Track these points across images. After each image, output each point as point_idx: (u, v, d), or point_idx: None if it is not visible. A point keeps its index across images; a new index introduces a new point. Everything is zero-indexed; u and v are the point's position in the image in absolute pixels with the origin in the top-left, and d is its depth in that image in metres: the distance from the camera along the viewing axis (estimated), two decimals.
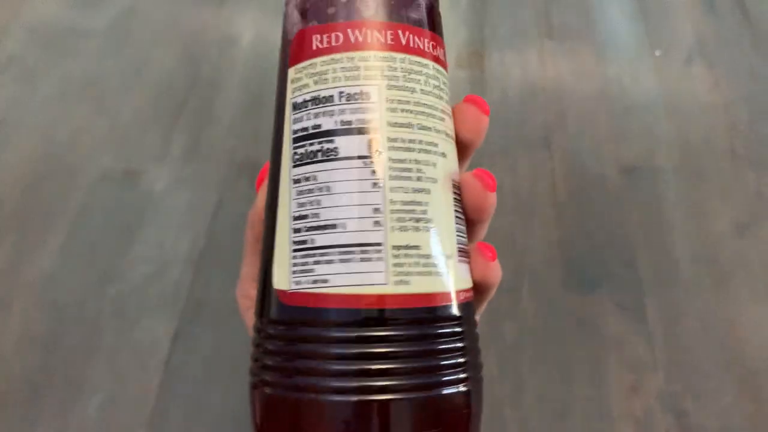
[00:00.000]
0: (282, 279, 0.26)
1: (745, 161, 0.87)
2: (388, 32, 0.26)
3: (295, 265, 0.25)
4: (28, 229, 0.78)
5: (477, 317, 0.31)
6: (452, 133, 0.28)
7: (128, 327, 0.71)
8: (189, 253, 0.77)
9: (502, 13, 1.05)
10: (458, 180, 0.28)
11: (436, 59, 0.28)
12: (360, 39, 0.26)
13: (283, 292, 0.25)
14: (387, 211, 0.24)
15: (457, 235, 0.27)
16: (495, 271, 0.29)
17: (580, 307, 0.74)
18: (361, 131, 0.25)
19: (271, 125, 0.28)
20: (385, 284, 0.24)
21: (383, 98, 0.25)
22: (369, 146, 0.25)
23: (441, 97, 0.27)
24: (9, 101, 0.91)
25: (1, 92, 0.92)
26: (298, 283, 0.25)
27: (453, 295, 0.26)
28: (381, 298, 0.24)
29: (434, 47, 0.28)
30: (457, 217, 0.27)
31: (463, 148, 0.29)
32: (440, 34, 0.29)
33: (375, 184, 0.25)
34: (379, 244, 0.24)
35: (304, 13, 0.27)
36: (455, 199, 0.27)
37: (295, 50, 0.27)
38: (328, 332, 0.24)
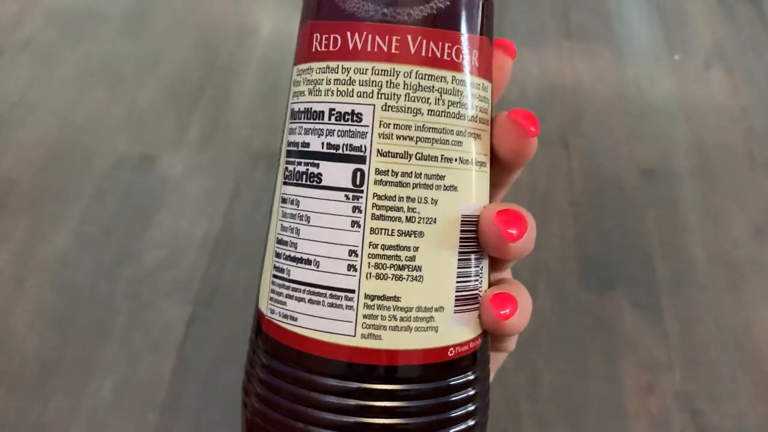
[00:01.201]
0: (263, 300, 0.24)
1: (762, 166, 0.87)
2: (393, 38, 0.21)
3: (272, 291, 0.23)
4: (42, 210, 0.78)
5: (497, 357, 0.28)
6: (480, 157, 0.23)
7: (142, 310, 0.71)
8: (204, 239, 0.77)
9: (522, 13, 1.05)
10: (477, 213, 0.23)
11: (460, 67, 0.22)
12: (358, 45, 0.22)
13: (262, 315, 0.24)
14: (364, 254, 0.21)
15: (459, 282, 0.23)
16: (509, 328, 0.24)
17: (596, 305, 0.73)
18: (347, 159, 0.22)
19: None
20: (352, 336, 0.22)
21: (377, 121, 0.21)
22: (353, 178, 0.22)
23: (462, 116, 0.22)
24: (26, 83, 0.91)
25: (19, 73, 0.92)
26: (272, 311, 0.23)
27: (439, 352, 0.23)
28: (347, 350, 0.22)
29: (459, 52, 0.22)
30: (462, 260, 0.23)
31: (500, 170, 0.25)
32: (478, 30, 0.23)
33: (355, 223, 0.22)
34: (350, 291, 0.22)
35: (314, 2, 0.23)
36: (464, 238, 0.23)
37: (299, 47, 0.24)
38: (297, 373, 0.22)
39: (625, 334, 0.71)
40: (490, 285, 0.25)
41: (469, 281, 0.23)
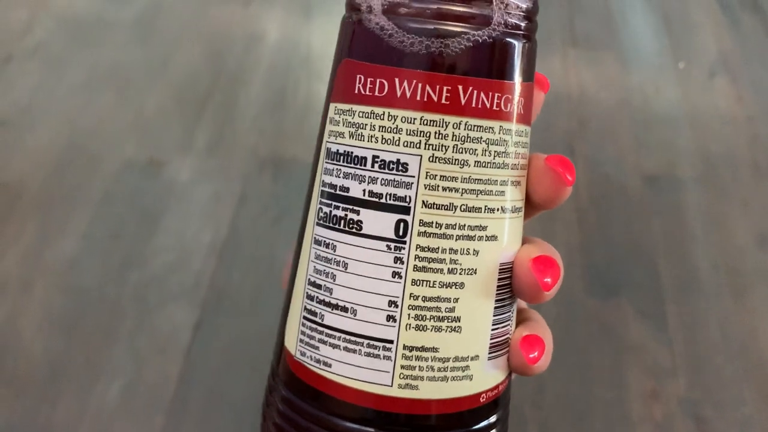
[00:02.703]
0: (291, 341, 0.23)
1: (767, 174, 0.87)
2: (444, 88, 0.21)
3: (303, 333, 0.23)
4: (51, 214, 0.79)
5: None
6: (518, 203, 0.23)
7: (149, 314, 0.71)
8: (211, 244, 0.77)
9: None
10: (512, 259, 0.23)
11: (508, 116, 0.22)
12: (407, 93, 0.21)
13: (291, 355, 0.23)
14: (404, 306, 0.21)
15: (493, 329, 0.23)
16: (537, 370, 0.24)
17: (601, 312, 0.73)
18: (390, 209, 0.21)
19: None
20: (389, 386, 0.21)
21: (423, 172, 0.21)
22: (396, 228, 0.21)
23: (505, 166, 0.22)
24: (35, 88, 0.92)
25: (28, 79, 0.93)
26: (303, 354, 0.23)
27: (472, 399, 0.23)
28: (383, 399, 0.21)
29: (509, 101, 0.22)
30: (498, 307, 0.23)
31: (531, 209, 0.25)
32: (526, 76, 0.23)
33: (396, 274, 0.21)
34: (389, 341, 0.21)
35: (355, 38, 0.22)
36: (500, 285, 0.23)
37: (338, 83, 0.23)
38: (328, 419, 0.22)
39: (630, 340, 0.71)
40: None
41: (503, 327, 0.23)
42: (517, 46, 0.22)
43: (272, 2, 1.06)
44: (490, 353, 0.23)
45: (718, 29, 1.06)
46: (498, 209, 0.22)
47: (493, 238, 0.22)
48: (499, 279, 0.23)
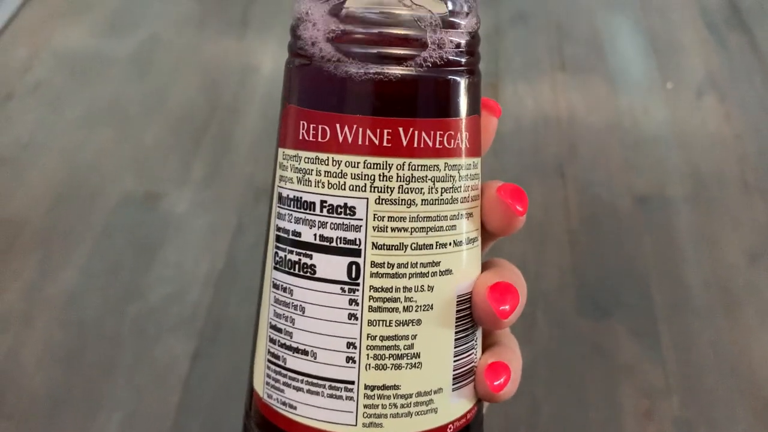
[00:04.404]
0: (258, 383, 0.24)
1: (756, 191, 0.88)
2: (385, 131, 0.21)
3: (268, 376, 0.23)
4: (51, 249, 0.80)
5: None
6: (472, 234, 0.23)
7: (148, 346, 0.72)
8: (208, 275, 0.78)
9: (516, 46, 1.07)
10: (470, 289, 0.23)
11: (453, 153, 0.22)
12: (349, 138, 0.21)
13: (259, 397, 0.24)
14: (363, 346, 0.21)
15: (456, 360, 0.23)
16: (503, 397, 0.24)
17: (593, 333, 0.74)
18: (341, 252, 0.21)
19: None
20: (353, 425, 0.22)
21: (371, 214, 0.21)
22: (349, 271, 0.21)
23: (454, 200, 0.22)
24: (35, 124, 0.94)
25: (28, 115, 0.95)
26: (270, 396, 0.23)
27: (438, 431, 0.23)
28: None
29: (452, 138, 0.22)
30: (459, 338, 0.23)
31: (488, 236, 0.25)
32: (468, 111, 0.22)
33: (352, 316, 0.21)
34: (350, 382, 0.22)
35: (298, 84, 0.23)
36: (460, 317, 0.23)
37: (284, 129, 0.23)
38: None
39: (623, 360, 0.72)
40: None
41: (466, 356, 0.23)
42: (457, 82, 0.22)
43: (266, 34, 1.08)
44: (454, 384, 0.23)
45: (705, 49, 1.08)
46: (450, 243, 0.22)
47: (448, 272, 0.22)
48: (457, 311, 0.23)
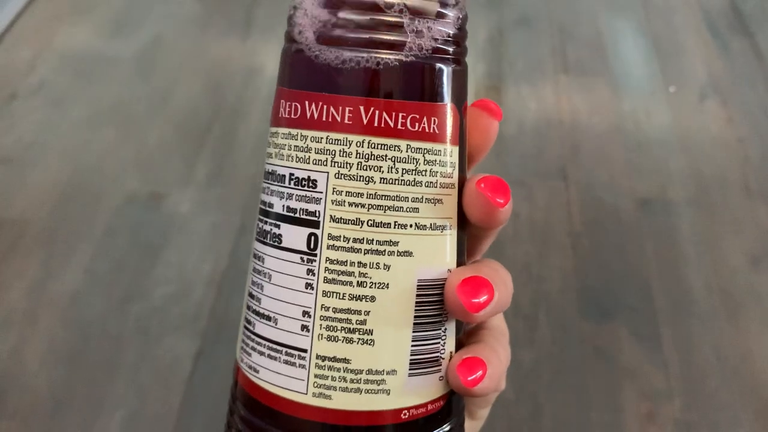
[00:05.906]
0: (238, 347, 0.25)
1: (759, 195, 0.88)
2: (347, 109, 0.22)
3: (242, 341, 0.24)
4: (55, 249, 0.80)
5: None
6: (442, 221, 0.23)
7: (151, 345, 0.72)
8: (211, 275, 0.78)
9: (520, 49, 1.07)
10: (440, 277, 0.23)
11: (416, 135, 0.23)
12: (314, 114, 0.22)
13: (236, 362, 0.25)
14: (317, 316, 0.22)
15: (414, 346, 0.23)
16: (478, 393, 0.24)
17: (596, 336, 0.74)
18: (303, 223, 0.22)
19: None
20: (304, 393, 0.22)
21: (330, 188, 0.22)
22: (308, 241, 0.22)
23: (417, 183, 0.23)
24: (39, 125, 0.94)
25: (32, 116, 0.95)
26: (241, 360, 0.24)
27: (392, 415, 0.23)
28: (298, 406, 0.22)
29: (416, 121, 0.22)
30: (419, 323, 0.23)
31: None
32: (440, 97, 0.23)
33: (309, 285, 0.22)
34: (303, 350, 0.22)
35: (283, 66, 0.24)
36: (421, 302, 0.23)
37: (273, 109, 0.24)
38: (255, 421, 0.24)
39: (625, 363, 0.72)
40: (462, 340, 0.25)
41: (428, 344, 0.23)
42: (423, 66, 0.23)
43: (270, 36, 1.08)
44: (411, 369, 0.23)
45: (707, 53, 1.08)
46: (411, 225, 0.23)
47: (407, 253, 0.23)
48: (419, 296, 0.23)
